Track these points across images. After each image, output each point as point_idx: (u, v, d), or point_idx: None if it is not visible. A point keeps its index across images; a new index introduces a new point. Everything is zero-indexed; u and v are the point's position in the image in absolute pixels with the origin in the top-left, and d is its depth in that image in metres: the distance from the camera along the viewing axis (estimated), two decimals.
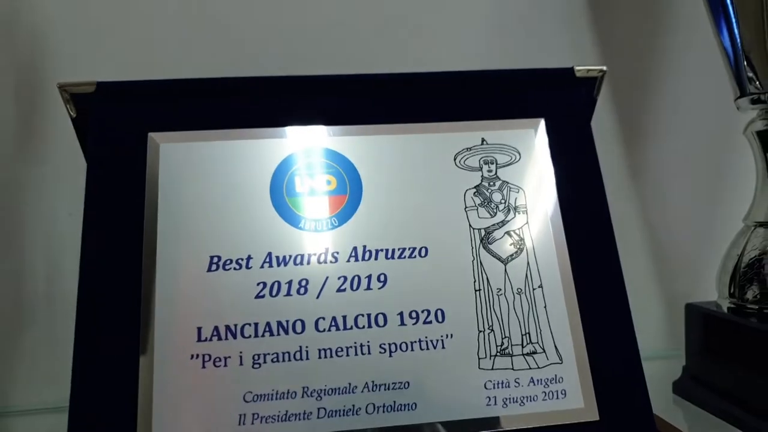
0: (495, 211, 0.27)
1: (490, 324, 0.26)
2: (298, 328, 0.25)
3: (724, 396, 0.33)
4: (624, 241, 0.29)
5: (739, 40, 0.34)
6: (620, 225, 0.29)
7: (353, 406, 0.24)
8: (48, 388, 0.39)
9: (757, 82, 0.33)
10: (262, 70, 0.30)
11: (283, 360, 0.24)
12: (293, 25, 0.40)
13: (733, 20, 0.35)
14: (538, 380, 0.25)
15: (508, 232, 0.27)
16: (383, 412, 0.24)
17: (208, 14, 0.40)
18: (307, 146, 0.28)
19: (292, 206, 0.27)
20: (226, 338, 0.24)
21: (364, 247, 0.26)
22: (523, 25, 0.42)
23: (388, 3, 0.42)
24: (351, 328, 0.25)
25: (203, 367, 0.24)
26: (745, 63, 0.34)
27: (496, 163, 0.28)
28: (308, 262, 0.26)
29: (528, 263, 0.27)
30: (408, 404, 0.24)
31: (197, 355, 0.24)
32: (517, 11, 0.42)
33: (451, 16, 0.42)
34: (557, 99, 0.30)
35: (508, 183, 0.28)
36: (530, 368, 0.25)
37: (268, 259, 0.26)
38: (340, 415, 0.24)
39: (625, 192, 0.44)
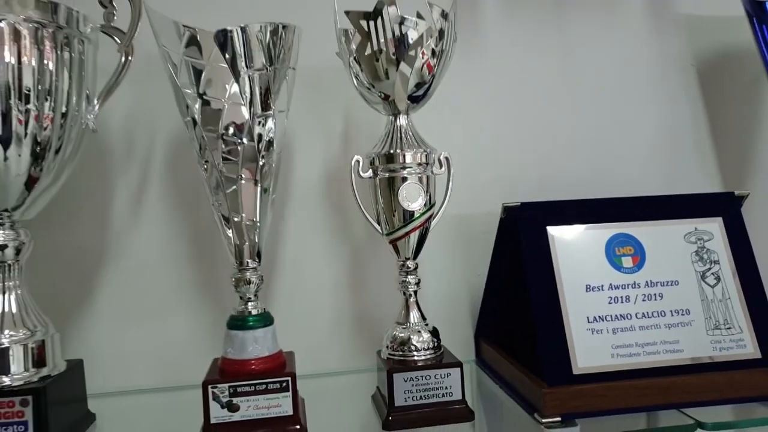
0: (705, 263, 0.58)
1: (709, 315, 0.57)
2: (629, 317, 0.56)
3: None
4: None
5: None
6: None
7: (656, 350, 0.55)
8: None
9: None
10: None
11: (624, 331, 0.55)
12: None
13: None
14: (732, 340, 0.56)
15: (712, 273, 0.58)
16: (668, 353, 0.55)
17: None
18: (618, 231, 0.59)
19: (616, 261, 0.58)
20: (599, 321, 0.55)
21: (651, 281, 0.57)
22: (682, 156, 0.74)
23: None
24: (650, 317, 0.56)
25: (592, 334, 0.55)
26: None
27: (703, 240, 0.59)
28: (626, 287, 0.57)
29: (722, 287, 0.58)
30: (679, 350, 0.55)
31: (589, 329, 0.55)
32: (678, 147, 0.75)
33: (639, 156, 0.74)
34: (726, 206, 0.61)
35: (710, 249, 0.59)
36: (730, 335, 0.56)
37: (609, 286, 0.57)
38: (652, 354, 0.55)
39: None
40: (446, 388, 0.53)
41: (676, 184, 0.74)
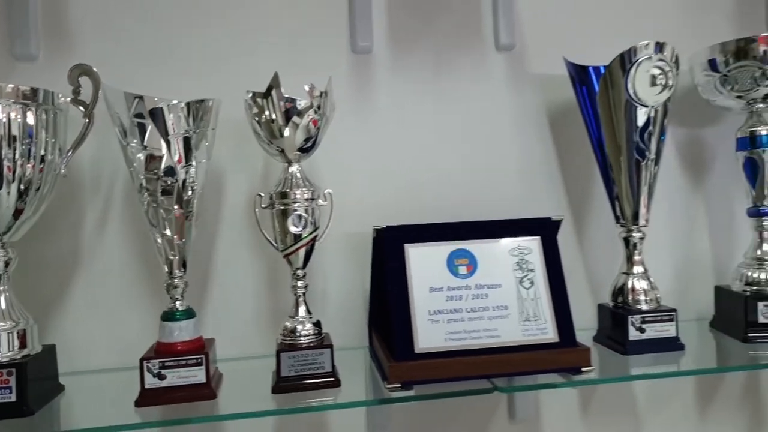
0: (523, 271, 0.78)
1: (523, 310, 0.76)
2: (460, 311, 0.75)
3: None
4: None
5: (614, 192, 0.85)
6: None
7: (479, 336, 0.74)
8: None
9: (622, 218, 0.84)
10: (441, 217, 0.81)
11: (456, 321, 0.75)
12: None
13: (613, 185, 0.85)
14: (538, 328, 0.75)
15: (528, 278, 0.78)
16: (489, 338, 0.74)
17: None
18: (458, 247, 0.78)
19: (454, 269, 0.77)
20: (438, 314, 0.75)
21: (479, 284, 0.77)
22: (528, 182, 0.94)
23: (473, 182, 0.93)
24: (478, 311, 0.75)
25: (432, 323, 0.74)
26: (618, 205, 0.85)
27: (524, 253, 0.79)
28: (460, 289, 0.76)
29: (535, 289, 0.77)
30: (497, 335, 0.74)
31: (429, 320, 0.74)
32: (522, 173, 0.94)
33: (494, 186, 0.93)
34: (544, 228, 0.81)
35: (528, 261, 0.78)
36: (537, 324, 0.75)
37: (447, 288, 0.76)
38: (476, 339, 0.74)
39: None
40: (320, 363, 0.73)
41: (533, 210, 0.93)
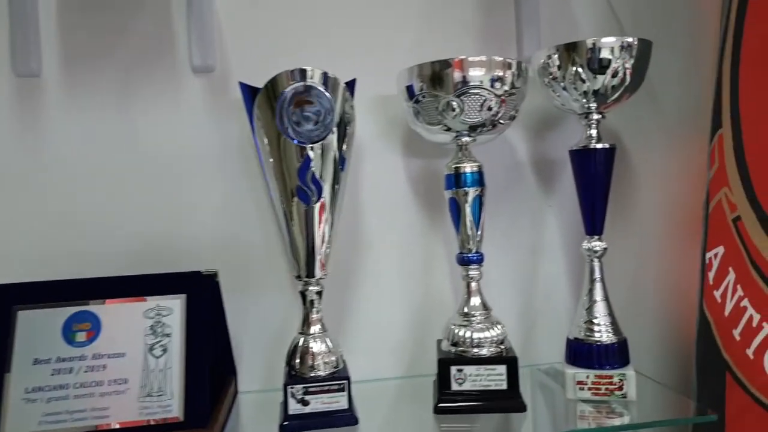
0: (157, 336, 0.67)
1: (146, 383, 0.65)
2: (67, 387, 0.64)
3: None
4: None
5: (287, 240, 0.74)
6: None
7: (84, 416, 0.63)
8: None
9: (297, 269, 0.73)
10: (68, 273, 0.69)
11: (59, 400, 0.63)
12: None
13: (287, 233, 0.74)
14: (161, 405, 0.64)
15: (161, 345, 0.66)
16: (96, 419, 0.63)
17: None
18: (80, 309, 0.67)
19: (70, 336, 0.66)
20: (37, 392, 0.63)
21: (99, 353, 0.66)
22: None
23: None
24: (89, 386, 0.64)
25: (27, 403, 0.63)
26: (293, 255, 0.74)
27: (162, 315, 0.68)
28: (72, 360, 0.65)
29: (166, 358, 0.66)
30: (107, 416, 0.63)
31: (24, 399, 0.63)
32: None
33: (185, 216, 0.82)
34: (192, 284, 0.70)
35: (165, 324, 0.67)
36: (160, 401, 0.64)
37: (57, 359, 0.65)
38: (80, 420, 0.63)
39: None
40: None
41: (241, 259, 0.83)
